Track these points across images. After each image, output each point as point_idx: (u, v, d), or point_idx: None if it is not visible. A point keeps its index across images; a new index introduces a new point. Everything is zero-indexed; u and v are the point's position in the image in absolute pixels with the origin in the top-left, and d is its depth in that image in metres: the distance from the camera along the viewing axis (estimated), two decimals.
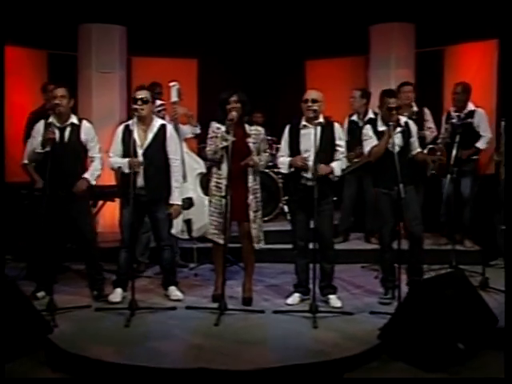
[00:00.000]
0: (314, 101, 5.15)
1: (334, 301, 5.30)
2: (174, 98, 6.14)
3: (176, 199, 5.37)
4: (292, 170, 5.21)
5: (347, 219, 7.24)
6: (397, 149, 5.12)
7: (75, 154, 5.32)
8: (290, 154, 5.27)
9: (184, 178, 5.95)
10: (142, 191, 5.21)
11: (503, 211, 5.68)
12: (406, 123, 5.39)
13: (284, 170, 5.29)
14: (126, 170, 5.18)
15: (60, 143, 5.23)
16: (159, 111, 6.12)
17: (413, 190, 5.33)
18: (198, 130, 6.47)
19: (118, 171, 5.38)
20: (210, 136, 5.28)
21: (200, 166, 6.24)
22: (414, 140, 5.46)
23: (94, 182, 5.39)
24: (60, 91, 5.26)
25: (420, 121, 6.50)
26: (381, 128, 5.31)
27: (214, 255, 5.37)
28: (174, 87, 6.16)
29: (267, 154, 5.40)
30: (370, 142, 5.33)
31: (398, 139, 5.24)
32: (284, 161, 5.28)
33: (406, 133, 5.36)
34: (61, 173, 5.17)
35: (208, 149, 5.27)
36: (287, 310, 5.12)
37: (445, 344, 4.23)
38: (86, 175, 5.33)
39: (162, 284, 5.63)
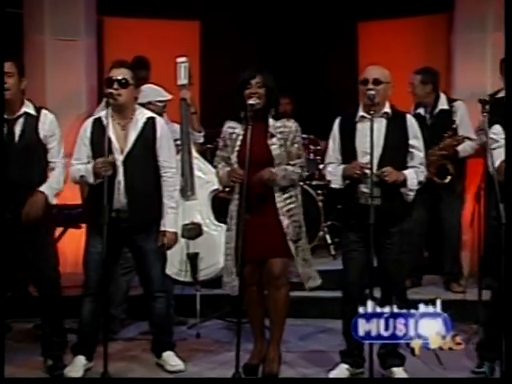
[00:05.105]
0: (377, 81, 5.12)
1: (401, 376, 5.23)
2: (183, 79, 6.34)
3: (170, 225, 5.38)
4: (348, 182, 5.12)
5: (418, 255, 7.18)
6: None
7: (31, 158, 5.30)
8: (343, 159, 5.21)
9: (192, 190, 6.22)
10: (121, 214, 5.26)
11: None
12: None
13: (337, 183, 5.22)
14: (91, 180, 5.22)
15: (8, 142, 5.23)
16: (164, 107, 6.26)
17: None
18: (201, 139, 6.77)
19: (83, 184, 5.47)
20: (222, 136, 5.47)
21: (214, 180, 6.18)
22: None
23: (53, 201, 5.38)
24: (4, 66, 5.21)
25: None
26: None
27: (248, 306, 5.38)
28: (182, 65, 6.38)
29: (300, 162, 5.34)
30: (501, 150, 5.06)
31: None
32: (335, 170, 5.23)
33: None
34: (9, 185, 5.15)
35: None
36: None
37: None
38: (43, 188, 5.30)
39: (152, 349, 5.66)
